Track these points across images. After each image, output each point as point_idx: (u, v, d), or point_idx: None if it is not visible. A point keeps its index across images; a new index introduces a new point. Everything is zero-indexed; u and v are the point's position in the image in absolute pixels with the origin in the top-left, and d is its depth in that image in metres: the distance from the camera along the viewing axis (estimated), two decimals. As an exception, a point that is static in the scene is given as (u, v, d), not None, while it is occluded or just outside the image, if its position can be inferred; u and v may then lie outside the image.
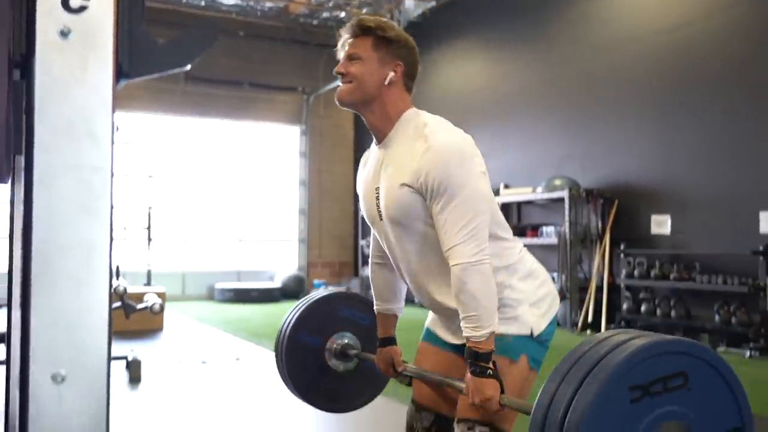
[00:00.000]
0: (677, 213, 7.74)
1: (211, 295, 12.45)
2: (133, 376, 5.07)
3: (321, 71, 13.01)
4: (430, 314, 2.13)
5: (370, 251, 2.20)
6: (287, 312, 2.56)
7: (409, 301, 2.31)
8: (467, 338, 1.75)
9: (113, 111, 1.13)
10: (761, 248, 6.63)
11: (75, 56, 1.10)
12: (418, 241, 1.87)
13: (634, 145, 8.27)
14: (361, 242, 12.90)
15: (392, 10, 11.09)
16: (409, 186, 1.78)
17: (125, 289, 5.64)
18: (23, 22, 1.12)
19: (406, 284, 2.08)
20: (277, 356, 2.54)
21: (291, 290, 12.58)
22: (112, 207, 1.13)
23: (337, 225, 13.63)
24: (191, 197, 12.85)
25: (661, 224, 7.89)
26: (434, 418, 2.07)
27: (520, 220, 9.91)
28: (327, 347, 2.49)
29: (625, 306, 7.89)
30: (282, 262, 13.52)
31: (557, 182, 8.64)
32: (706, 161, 7.47)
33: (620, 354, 1.34)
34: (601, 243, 8.40)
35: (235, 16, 12.47)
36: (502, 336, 1.85)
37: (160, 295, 7.15)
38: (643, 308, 7.67)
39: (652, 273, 7.68)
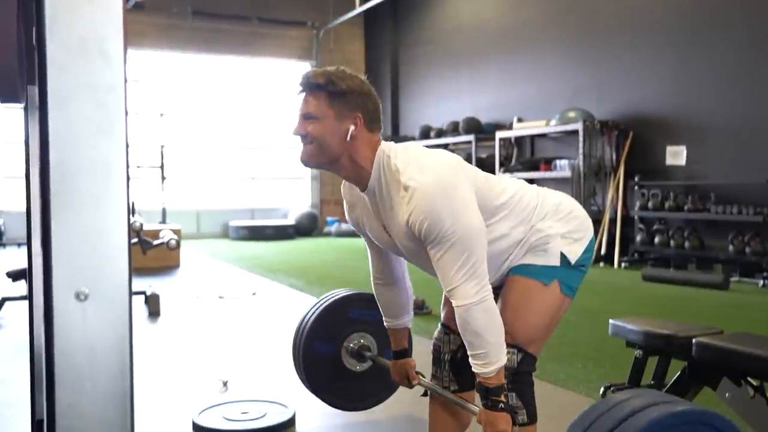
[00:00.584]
0: (693, 143, 7.65)
1: (225, 233, 12.56)
2: (152, 310, 5.13)
3: (331, 5, 12.76)
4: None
5: (371, 274, 2.17)
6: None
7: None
8: (477, 374, 1.76)
9: (124, 30, 1.13)
10: None
11: None
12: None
13: (650, 76, 8.11)
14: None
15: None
16: (404, 233, 1.78)
17: (141, 225, 5.69)
18: None
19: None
20: (295, 361, 2.60)
21: (305, 227, 12.67)
22: (126, 128, 1.07)
23: (349, 161, 13.57)
24: (203, 135, 12.83)
25: (677, 155, 7.81)
26: (462, 341, 2.12)
27: (534, 153, 9.84)
28: (344, 346, 2.54)
29: (638, 238, 7.90)
30: (295, 199, 13.56)
31: (571, 114, 8.53)
32: (723, 91, 7.33)
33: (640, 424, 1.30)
34: (615, 175, 8.34)
35: (242, -52, 12.19)
36: (539, 266, 1.89)
37: (176, 232, 7.22)
38: (656, 240, 7.67)
39: (667, 204, 7.65)
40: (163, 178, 10.22)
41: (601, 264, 7.98)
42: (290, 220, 12.65)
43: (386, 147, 1.81)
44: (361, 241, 2.13)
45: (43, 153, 1.08)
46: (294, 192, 13.66)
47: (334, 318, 2.55)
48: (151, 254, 6.03)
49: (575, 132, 8.42)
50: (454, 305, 1.74)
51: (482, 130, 10.32)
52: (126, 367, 1.06)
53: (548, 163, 8.95)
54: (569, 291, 1.93)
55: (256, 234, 11.90)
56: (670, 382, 2.21)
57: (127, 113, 1.15)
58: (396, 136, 12.62)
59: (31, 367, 1.73)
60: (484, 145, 10.38)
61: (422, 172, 1.72)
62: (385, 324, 2.21)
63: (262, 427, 2.63)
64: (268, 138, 13.37)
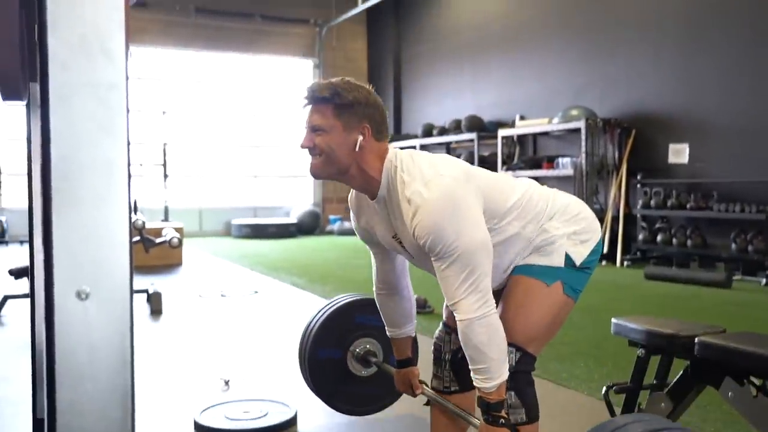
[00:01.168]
0: (695, 142, 7.63)
1: (228, 231, 12.57)
2: (155, 308, 5.14)
3: (334, 2, 12.76)
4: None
5: (374, 284, 2.17)
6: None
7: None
8: (478, 389, 1.76)
9: (127, 29, 1.12)
10: None
11: None
12: None
13: (653, 74, 8.10)
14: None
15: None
16: (411, 243, 1.79)
17: (144, 224, 5.68)
18: None
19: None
20: (301, 369, 2.61)
21: (307, 226, 12.67)
22: (128, 125, 1.07)
23: (351, 159, 13.57)
24: (206, 133, 12.83)
25: (679, 153, 7.79)
26: None
27: (536, 152, 9.83)
28: (350, 351, 2.56)
29: (641, 236, 7.89)
30: (297, 197, 13.56)
31: (574, 112, 8.52)
32: (725, 89, 7.32)
33: None
34: (617, 173, 8.33)
35: (245, -55, 12.19)
36: (544, 267, 1.90)
37: (178, 230, 7.21)
38: (659, 238, 7.66)
39: (669, 202, 7.64)
40: (166, 176, 10.23)
41: (604, 262, 7.97)
42: (292, 219, 12.66)
43: (394, 156, 1.81)
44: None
45: (45, 151, 1.08)
46: (296, 190, 13.66)
47: (340, 323, 2.56)
48: (153, 252, 6.03)
49: (578, 130, 8.41)
50: (456, 319, 1.74)
51: (485, 128, 10.31)
52: (127, 365, 1.06)
53: (551, 162, 8.94)
54: (572, 292, 1.92)
55: (259, 232, 11.91)
56: (673, 381, 2.21)
57: (128, 111, 1.15)
58: (398, 134, 12.61)
59: (33, 365, 1.72)
60: (487, 143, 10.37)
61: (427, 186, 1.71)
62: (387, 333, 2.22)
63: (264, 427, 2.63)
64: (271, 136, 13.37)
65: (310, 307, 2.70)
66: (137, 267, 6.46)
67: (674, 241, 7.48)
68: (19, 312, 4.90)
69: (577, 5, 9.18)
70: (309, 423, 2.78)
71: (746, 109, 7.14)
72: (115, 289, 1.10)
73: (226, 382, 3.23)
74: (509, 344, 1.82)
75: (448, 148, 11.35)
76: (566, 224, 1.92)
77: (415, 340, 2.31)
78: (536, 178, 9.17)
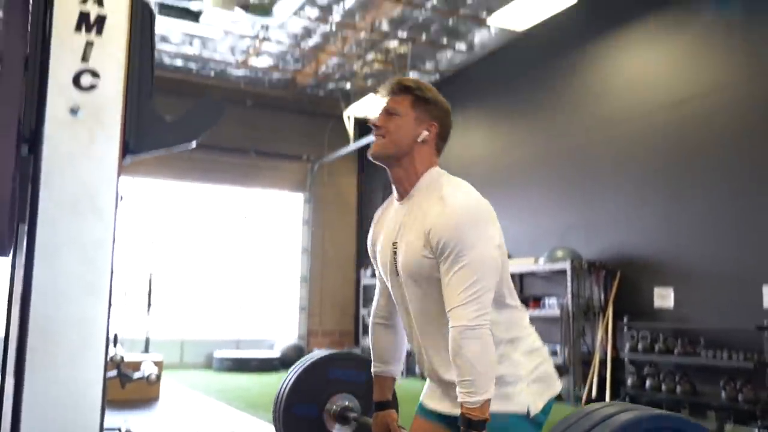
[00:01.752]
0: (680, 286, 7.69)
1: (209, 364, 12.27)
2: None
3: (326, 140, 13.22)
4: (426, 387, 2.09)
5: (372, 311, 2.20)
6: (281, 380, 2.48)
7: (410, 372, 2.25)
8: (461, 404, 1.73)
9: (118, 186, 1.14)
10: (766, 323, 6.54)
11: (83, 132, 1.11)
12: (428, 301, 1.89)
13: (636, 218, 8.29)
14: (363, 311, 12.81)
15: (396, 82, 11.33)
16: (423, 246, 1.83)
17: (122, 358, 5.58)
18: (34, 100, 1.14)
19: (412, 345, 2.06)
20: (276, 428, 2.50)
21: (291, 359, 12.39)
22: (112, 282, 1.12)
23: (338, 293, 13.58)
24: (193, 263, 12.84)
25: (664, 297, 7.83)
26: None
27: (523, 291, 9.86)
28: (326, 409, 2.45)
29: (629, 381, 7.76)
30: (282, 330, 13.39)
31: (559, 253, 8.63)
32: (709, 235, 7.47)
33: (614, 424, 1.34)
34: (603, 315, 8.32)
35: (243, 86, 12.74)
36: (494, 413, 1.81)
37: (157, 364, 7.05)
38: (647, 383, 7.53)
39: (656, 347, 7.58)
40: (150, 306, 10.11)
41: (593, 407, 7.78)
42: (276, 352, 12.42)
43: (442, 171, 1.99)
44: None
45: (24, 307, 1.09)
46: (281, 322, 13.51)
47: (315, 379, 2.47)
48: (130, 387, 5.87)
49: (563, 271, 8.49)
50: (450, 326, 1.75)
51: (471, 266, 10.36)
52: None
53: (537, 301, 8.95)
54: None
55: (241, 366, 11.64)
56: None
57: (113, 270, 1.15)
58: (386, 269, 12.63)
59: None
60: (474, 280, 10.39)
61: (466, 195, 1.87)
62: (372, 370, 2.17)
63: None
64: (258, 268, 13.39)
65: (287, 372, 2.58)
66: (112, 401, 6.25)
67: (663, 387, 7.35)
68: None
69: (561, 151, 9.53)
70: None
71: (728, 256, 7.25)
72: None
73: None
74: None
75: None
76: (532, 367, 1.90)
77: (393, 384, 2.24)
78: (523, 319, 8.99)
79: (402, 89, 1.95)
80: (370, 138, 11.79)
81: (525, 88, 10.21)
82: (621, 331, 8.10)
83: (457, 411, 1.79)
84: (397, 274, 1.94)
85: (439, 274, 1.82)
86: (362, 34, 10.16)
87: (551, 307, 8.66)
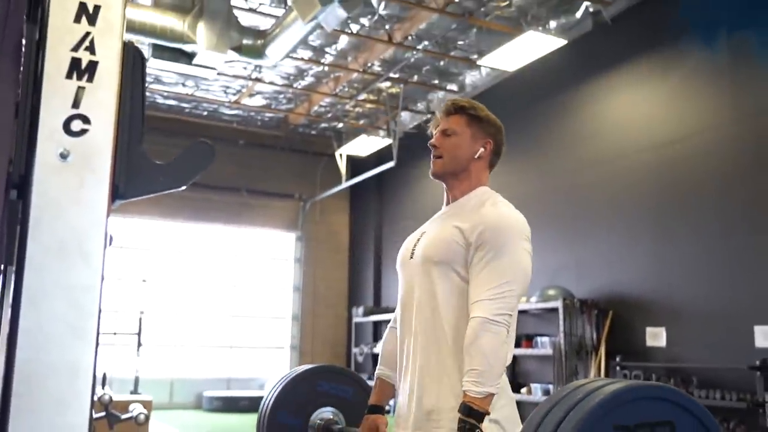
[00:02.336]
0: (672, 325, 7.70)
1: (199, 404, 12.15)
2: None
3: (318, 179, 13.29)
4: (397, 417, 2.04)
5: (391, 318, 2.22)
6: (267, 391, 2.48)
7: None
8: (464, 392, 1.74)
9: (106, 230, 1.15)
10: (758, 363, 6.53)
11: (72, 178, 1.12)
12: (434, 289, 1.90)
13: (628, 257, 8.33)
14: (354, 350, 12.75)
15: (388, 121, 11.47)
16: (461, 231, 1.89)
17: (110, 399, 5.51)
18: (24, 145, 1.15)
19: (403, 365, 2.02)
20: None
21: (281, 399, 12.29)
22: (99, 325, 1.13)
23: (330, 331, 13.54)
24: (184, 302, 12.79)
25: (657, 336, 7.84)
26: None
27: (515, 329, 9.84)
28: (310, 424, 2.43)
29: (623, 421, 7.71)
30: (273, 369, 13.28)
31: (551, 292, 8.65)
32: (700, 275, 7.51)
33: (606, 392, 1.35)
34: (596, 354, 8.31)
35: (236, 126, 12.87)
36: None
37: (146, 405, 6.96)
38: (641, 423, 7.49)
39: (650, 386, 7.55)
40: (139, 345, 10.03)
41: (586, 448, 7.72)
42: (266, 392, 12.30)
43: (492, 190, 2.06)
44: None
45: (10, 352, 1.06)
46: (272, 361, 13.42)
47: (302, 389, 2.46)
48: (118, 428, 5.79)
49: (555, 309, 8.50)
50: (471, 316, 1.79)
51: (464, 305, 10.36)
52: None
53: (529, 340, 8.94)
54: None
55: (231, 405, 11.52)
56: None
57: (100, 313, 1.15)
58: (377, 307, 12.63)
59: None
60: (466, 319, 10.38)
61: (513, 211, 1.96)
62: (377, 371, 2.19)
63: None
64: (249, 306, 13.33)
65: (275, 381, 2.56)
66: (99, 443, 6.16)
67: (657, 427, 7.31)
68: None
69: (553, 190, 9.62)
70: None
71: (720, 296, 7.29)
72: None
73: None
74: None
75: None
76: (498, 407, 1.83)
77: (393, 393, 2.21)
78: (515, 357, 8.99)
79: (457, 109, 2.04)
80: (361, 177, 11.91)
81: (516, 127, 10.31)
82: (614, 370, 8.07)
83: None
84: (412, 257, 1.99)
85: (458, 266, 1.88)
86: (354, 75, 10.31)
87: (543, 345, 8.65)
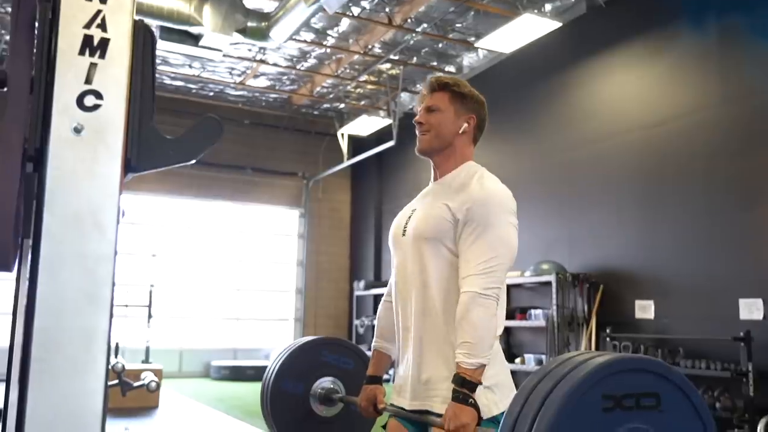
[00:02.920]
0: (660, 298, 7.91)
1: (207, 373, 12.51)
2: None
3: (321, 158, 13.53)
4: (395, 387, 2.10)
5: (385, 293, 2.24)
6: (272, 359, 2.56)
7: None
8: (458, 364, 1.79)
9: (119, 203, 1.18)
10: (741, 334, 6.67)
11: (86, 151, 1.14)
12: (427, 263, 1.95)
13: (618, 232, 8.53)
14: (356, 322, 13.06)
15: (388, 102, 11.66)
16: (450, 208, 1.94)
17: (123, 367, 5.82)
18: (39, 119, 1.17)
19: (401, 337, 2.06)
20: (262, 404, 2.56)
21: (286, 370, 12.63)
22: (113, 294, 1.15)
23: (332, 304, 13.84)
24: (192, 276, 13.10)
25: (645, 309, 8.08)
26: None
27: (509, 302, 10.09)
28: (311, 392, 2.51)
29: (611, 390, 7.97)
30: (278, 340, 13.65)
31: (545, 266, 8.88)
32: (687, 249, 7.67)
33: (594, 363, 1.39)
34: (587, 326, 8.57)
35: (241, 106, 13.07)
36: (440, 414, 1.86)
37: (157, 373, 7.28)
38: (628, 392, 7.76)
39: (637, 357, 7.79)
40: (150, 317, 10.36)
41: (576, 415, 8.01)
42: (271, 362, 12.64)
43: (477, 164, 2.11)
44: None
45: (28, 319, 1.09)
46: (277, 333, 13.77)
47: (307, 358, 2.54)
48: (130, 394, 6.09)
49: (549, 283, 8.73)
50: (461, 291, 1.85)
51: (462, 279, 10.58)
52: None
53: (523, 312, 9.20)
54: None
55: (237, 374, 11.87)
56: None
57: (114, 283, 1.17)
58: (378, 281, 12.88)
59: None
60: (464, 293, 10.61)
61: (499, 185, 2.01)
62: (373, 344, 2.24)
63: None
64: (255, 280, 13.66)
65: (281, 349, 2.67)
66: (113, 409, 6.46)
67: (643, 395, 7.57)
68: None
69: (546, 168, 9.78)
70: None
71: (706, 270, 7.44)
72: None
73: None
74: None
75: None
76: (491, 372, 1.88)
77: (390, 364, 2.27)
78: (510, 328, 9.27)
79: (441, 86, 2.07)
80: (362, 156, 12.13)
81: (512, 107, 10.48)
82: (604, 341, 8.31)
83: (428, 405, 1.90)
84: (404, 235, 2.04)
85: (448, 241, 1.92)
86: (356, 57, 10.47)
87: (537, 318, 8.91)
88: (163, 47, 8.57)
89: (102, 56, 1.17)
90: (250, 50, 10.50)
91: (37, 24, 1.19)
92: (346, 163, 12.61)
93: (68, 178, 1.12)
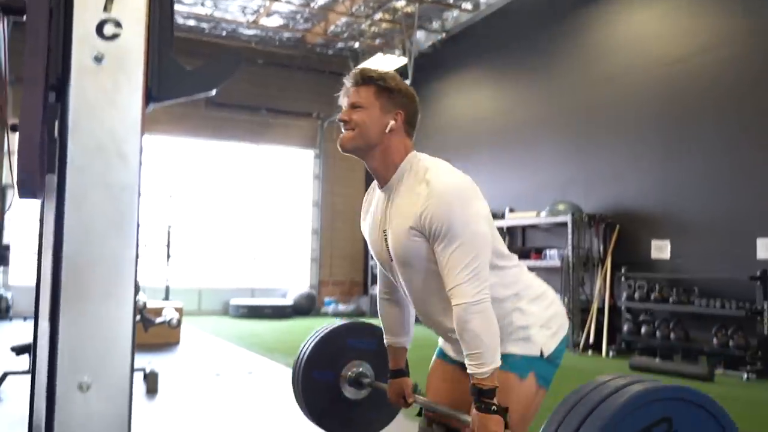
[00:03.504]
0: (676, 238, 7.92)
1: (225, 311, 12.75)
2: (150, 387, 5.14)
3: (335, 98, 13.36)
4: (441, 339, 2.21)
5: (377, 288, 2.27)
6: (299, 345, 2.65)
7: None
8: (471, 375, 1.80)
9: (142, 132, 1.19)
10: (758, 273, 6.73)
11: (107, 80, 1.14)
12: (425, 277, 1.94)
13: (635, 172, 8.49)
14: (371, 262, 13.14)
15: (404, 41, 11.47)
16: (415, 229, 1.85)
17: (145, 304, 5.91)
18: (59, 49, 1.15)
19: (416, 313, 2.15)
20: (294, 390, 2.66)
21: (303, 307, 12.86)
22: (138, 223, 1.18)
23: (347, 245, 13.94)
24: (209, 216, 13.23)
25: (661, 249, 8.08)
26: (445, 431, 2.14)
27: (525, 243, 10.14)
28: (342, 375, 2.62)
29: (625, 328, 8.07)
30: (294, 280, 13.84)
31: (560, 207, 8.87)
32: (704, 188, 7.65)
33: (602, 413, 1.39)
34: (602, 266, 8.60)
35: (254, 46, 12.92)
36: (512, 354, 1.94)
37: (178, 310, 7.39)
38: (643, 330, 7.84)
39: (652, 296, 7.85)
40: (169, 257, 10.50)
41: (590, 352, 8.13)
42: (289, 300, 12.86)
43: (418, 153, 1.98)
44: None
45: (57, 246, 1.11)
46: (293, 273, 13.96)
47: (333, 346, 2.62)
48: (152, 331, 6.19)
49: (564, 224, 8.74)
50: (453, 304, 1.81)
51: (477, 220, 10.61)
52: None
53: (539, 253, 9.24)
54: (544, 383, 1.97)
55: (255, 313, 12.10)
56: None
57: (139, 212, 1.19)
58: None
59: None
60: (479, 233, 10.65)
61: (449, 175, 1.87)
62: (385, 341, 2.27)
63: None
64: (271, 220, 13.77)
65: (306, 337, 2.77)
66: (136, 344, 6.58)
67: (658, 333, 7.66)
68: (18, 388, 4.94)
69: (563, 108, 9.69)
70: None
71: (723, 209, 7.44)
72: (116, 383, 1.11)
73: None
74: None
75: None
76: (542, 312, 1.98)
77: (406, 353, 2.34)
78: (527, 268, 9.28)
79: (365, 80, 1.94)
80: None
81: (528, 47, 10.31)
82: (619, 281, 8.37)
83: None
84: (391, 260, 1.98)
85: (430, 254, 1.87)
86: (370, -7, 10.29)
87: (552, 258, 8.94)
88: (174, -15, 8.42)
89: (119, -16, 1.14)
90: (263, -13, 10.32)
91: None
92: (361, 104, 12.46)
93: (91, 108, 1.12)
